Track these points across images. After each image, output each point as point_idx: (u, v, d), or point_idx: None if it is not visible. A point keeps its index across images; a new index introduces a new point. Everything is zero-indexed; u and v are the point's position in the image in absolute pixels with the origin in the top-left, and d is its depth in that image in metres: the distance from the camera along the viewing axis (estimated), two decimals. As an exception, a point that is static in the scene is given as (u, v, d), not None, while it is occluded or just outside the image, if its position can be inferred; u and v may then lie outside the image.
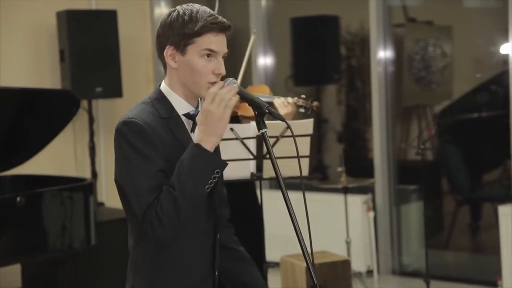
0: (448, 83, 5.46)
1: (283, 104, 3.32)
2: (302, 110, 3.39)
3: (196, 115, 2.04)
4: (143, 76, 5.81)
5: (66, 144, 5.29)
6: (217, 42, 2.00)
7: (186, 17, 1.98)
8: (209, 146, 1.91)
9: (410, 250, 5.31)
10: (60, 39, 5.15)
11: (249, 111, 3.39)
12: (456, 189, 5.51)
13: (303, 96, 3.40)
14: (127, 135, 1.94)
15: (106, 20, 5.18)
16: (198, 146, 1.91)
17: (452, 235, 5.45)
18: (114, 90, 5.20)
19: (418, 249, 5.21)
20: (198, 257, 2.03)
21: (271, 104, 3.33)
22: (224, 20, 2.02)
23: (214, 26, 1.98)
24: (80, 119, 5.21)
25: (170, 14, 2.02)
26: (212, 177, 1.91)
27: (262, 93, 3.43)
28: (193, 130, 2.04)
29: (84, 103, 5.09)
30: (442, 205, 5.59)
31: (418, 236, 5.25)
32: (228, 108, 1.93)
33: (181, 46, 1.99)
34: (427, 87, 5.48)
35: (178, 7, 2.03)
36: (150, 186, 1.91)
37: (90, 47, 5.07)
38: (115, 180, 2.01)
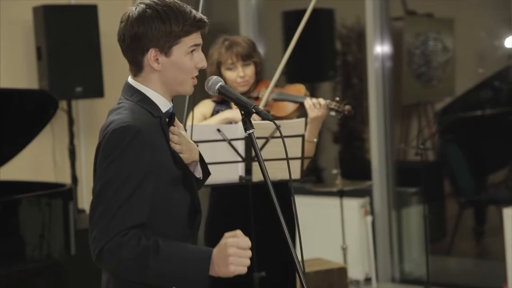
0: (449, 79, 5.49)
1: (313, 106, 3.29)
2: (333, 113, 3.34)
3: (173, 113, 2.07)
4: (126, 75, 5.81)
5: (44, 147, 5.29)
6: (199, 37, 2.04)
7: (169, 17, 1.97)
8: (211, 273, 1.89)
9: (411, 257, 5.33)
10: (37, 35, 5.15)
11: (281, 110, 3.39)
12: (459, 191, 5.54)
13: (337, 98, 3.36)
14: (127, 142, 1.90)
15: (86, 16, 5.18)
16: (207, 270, 1.87)
17: (455, 240, 5.47)
18: (95, 89, 5.20)
19: (419, 255, 5.23)
20: None
21: (301, 104, 3.34)
22: (202, 15, 2.05)
23: (200, 24, 2.02)
24: (59, 121, 5.21)
25: (144, 11, 1.98)
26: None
27: (297, 92, 3.41)
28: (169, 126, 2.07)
29: (63, 104, 5.09)
30: (444, 208, 5.61)
31: (419, 242, 5.27)
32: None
33: (165, 48, 1.99)
34: (427, 83, 5.51)
35: (148, 2, 1.99)
36: (134, 212, 1.89)
37: (69, 44, 5.07)
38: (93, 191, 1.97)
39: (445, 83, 5.49)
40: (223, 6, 5.92)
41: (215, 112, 3.44)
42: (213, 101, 3.48)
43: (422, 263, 4.66)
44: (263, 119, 2.03)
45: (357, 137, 5.85)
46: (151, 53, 1.99)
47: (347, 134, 5.93)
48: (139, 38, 1.99)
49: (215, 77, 2.12)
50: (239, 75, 3.37)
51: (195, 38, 2.02)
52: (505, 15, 4.74)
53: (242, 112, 2.04)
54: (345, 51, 5.91)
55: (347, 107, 3.31)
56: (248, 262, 1.88)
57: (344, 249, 4.61)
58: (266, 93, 3.35)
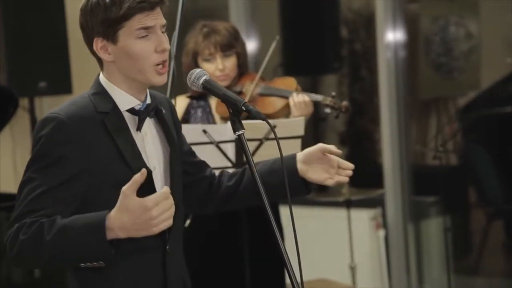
0: (474, 70, 5.50)
1: (298, 105, 3.33)
2: (328, 110, 3.40)
3: (143, 110, 2.11)
4: (97, 68, 5.81)
5: (2, 152, 5.28)
6: (151, 18, 2.07)
7: (107, 0, 2.04)
8: (116, 236, 1.96)
9: (431, 276, 5.34)
10: (-6, 23, 5.14)
11: (268, 106, 3.41)
12: (486, 200, 5.54)
13: (333, 93, 3.44)
14: (46, 133, 2.01)
15: (51, 0, 5.18)
16: (104, 232, 1.94)
17: (482, 256, 5.48)
18: (62, 84, 5.20)
19: (441, 274, 5.24)
20: (145, 274, 2.11)
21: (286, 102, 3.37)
22: None
23: (143, 6, 2.06)
24: (20, 121, 5.21)
25: (87, 0, 2.08)
26: (90, 262, 2.00)
27: (286, 86, 3.45)
28: (139, 128, 2.11)
29: (24, 102, 5.08)
30: (469, 220, 5.62)
31: (440, 259, 5.27)
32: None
33: (110, 35, 2.06)
34: (448, 75, 5.52)
35: None
36: (48, 197, 2.00)
37: (31, 32, 5.07)
38: None
39: (469, 75, 5.50)
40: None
41: (189, 111, 3.44)
42: (188, 96, 3.48)
43: (444, 283, 4.67)
44: (255, 118, 2.04)
45: (367, 138, 5.86)
46: (97, 43, 2.09)
47: (355, 134, 5.94)
48: (84, 29, 2.11)
49: (199, 69, 2.13)
50: (218, 68, 3.38)
51: (142, 19, 2.05)
52: (537, -5, 4.76)
53: (231, 110, 2.05)
54: (352, 38, 5.91)
55: (344, 103, 3.38)
56: (171, 212, 1.95)
57: (352, 268, 4.62)
58: (251, 87, 3.36)
